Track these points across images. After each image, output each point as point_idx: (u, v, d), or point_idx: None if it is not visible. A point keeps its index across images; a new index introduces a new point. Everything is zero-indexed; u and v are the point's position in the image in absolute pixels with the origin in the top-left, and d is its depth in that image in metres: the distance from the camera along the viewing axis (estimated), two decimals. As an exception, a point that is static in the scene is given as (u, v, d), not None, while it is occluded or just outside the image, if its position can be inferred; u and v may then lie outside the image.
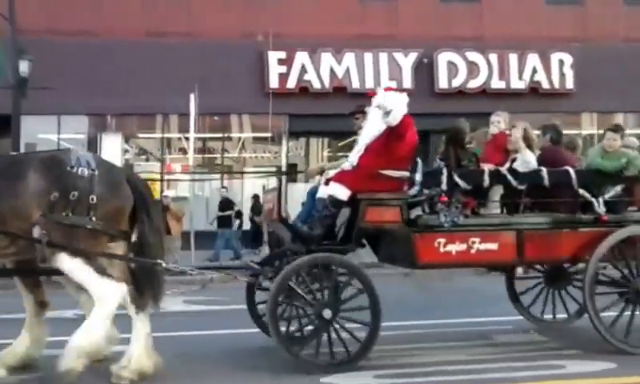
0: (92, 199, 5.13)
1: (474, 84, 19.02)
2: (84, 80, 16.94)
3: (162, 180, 14.80)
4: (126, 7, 17.98)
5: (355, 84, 18.55)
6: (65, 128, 18.17)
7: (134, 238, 5.51)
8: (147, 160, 19.58)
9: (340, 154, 17.50)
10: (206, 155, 19.51)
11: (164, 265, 5.41)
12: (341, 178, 5.91)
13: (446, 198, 5.76)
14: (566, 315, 7.27)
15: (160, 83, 17.02)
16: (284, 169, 15.82)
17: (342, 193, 5.81)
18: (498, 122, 6.61)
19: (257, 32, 18.00)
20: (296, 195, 9.69)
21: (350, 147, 6.85)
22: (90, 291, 5.23)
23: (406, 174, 5.94)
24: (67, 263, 5.12)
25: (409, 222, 5.90)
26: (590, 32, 19.50)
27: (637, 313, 6.14)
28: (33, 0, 16.83)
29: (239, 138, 19.91)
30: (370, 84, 18.48)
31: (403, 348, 6.44)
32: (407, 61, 18.99)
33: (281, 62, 18.48)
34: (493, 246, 5.93)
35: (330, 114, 16.54)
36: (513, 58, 19.21)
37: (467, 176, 5.94)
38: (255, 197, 17.18)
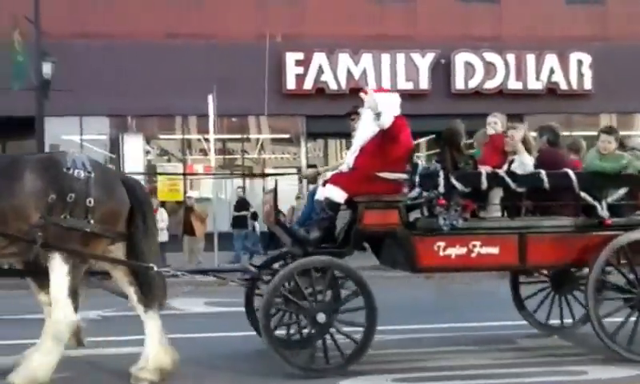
0: (89, 202, 5.13)
1: (491, 85, 18.92)
2: (105, 81, 17.22)
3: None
4: (147, 10, 18.20)
5: (372, 85, 18.54)
6: (87, 129, 18.49)
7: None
8: (169, 161, 19.87)
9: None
10: (227, 156, 19.69)
11: (155, 269, 5.39)
12: (337, 180, 5.87)
13: (444, 201, 5.74)
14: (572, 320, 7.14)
15: (179, 84, 17.24)
16: (304, 170, 15.84)
17: (338, 195, 5.77)
18: (495, 122, 6.53)
19: (274, 33, 18.12)
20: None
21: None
22: (52, 309, 5.21)
23: (403, 176, 5.89)
24: (58, 266, 5.11)
25: (408, 225, 5.86)
26: (610, 31, 19.26)
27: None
28: (57, 3, 17.11)
29: (257, 140, 20.06)
30: (386, 85, 18.49)
31: (423, 351, 6.41)
32: (424, 61, 18.96)
33: (298, 63, 18.57)
34: (494, 250, 5.87)
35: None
36: (530, 59, 19.06)
37: (465, 178, 5.87)
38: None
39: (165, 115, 18.65)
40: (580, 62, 19.17)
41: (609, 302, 6.12)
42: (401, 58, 18.86)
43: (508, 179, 5.91)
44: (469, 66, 19.01)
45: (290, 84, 18.52)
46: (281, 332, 6.16)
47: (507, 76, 18.99)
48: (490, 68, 18.97)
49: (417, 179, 5.92)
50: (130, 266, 5.54)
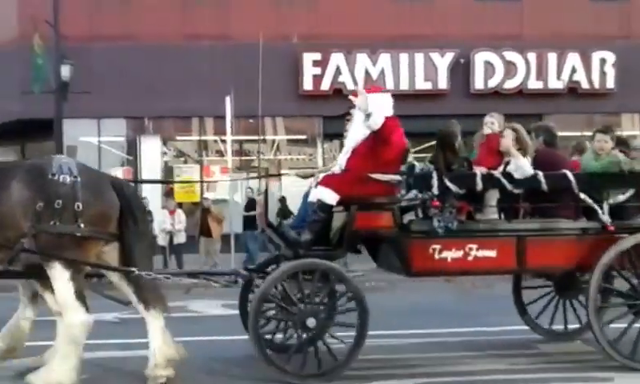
0: (77, 206, 5.15)
1: (511, 84, 18.58)
2: (123, 84, 17.36)
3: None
4: (164, 12, 18.28)
5: (389, 85, 18.35)
6: (104, 131, 18.65)
7: None
8: (185, 162, 19.92)
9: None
10: (243, 157, 19.70)
11: (136, 272, 5.37)
12: (328, 181, 5.78)
13: (438, 203, 5.60)
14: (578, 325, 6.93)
15: (196, 86, 17.32)
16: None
17: (330, 197, 5.67)
18: (492, 122, 6.38)
19: (291, 34, 18.08)
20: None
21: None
22: (64, 315, 5.25)
23: (396, 177, 5.77)
24: (59, 274, 5.14)
25: (402, 227, 5.76)
26: (635, 29, 18.82)
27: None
28: (76, 7, 17.31)
29: (273, 141, 20.04)
30: (404, 85, 18.39)
31: (443, 356, 6.33)
32: (443, 61, 18.70)
33: (315, 63, 18.47)
34: (491, 253, 5.74)
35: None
36: (552, 58, 18.65)
37: (459, 179, 5.72)
38: (282, 199, 17.10)
39: (182, 117, 18.71)
40: (603, 61, 18.70)
41: (612, 306, 5.97)
42: (419, 57, 18.64)
43: (504, 180, 5.76)
44: (488, 66, 18.70)
45: (307, 85, 18.43)
46: (269, 336, 6.08)
47: (527, 75, 18.63)
48: (510, 67, 18.63)
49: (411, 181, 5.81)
50: (110, 269, 5.54)
